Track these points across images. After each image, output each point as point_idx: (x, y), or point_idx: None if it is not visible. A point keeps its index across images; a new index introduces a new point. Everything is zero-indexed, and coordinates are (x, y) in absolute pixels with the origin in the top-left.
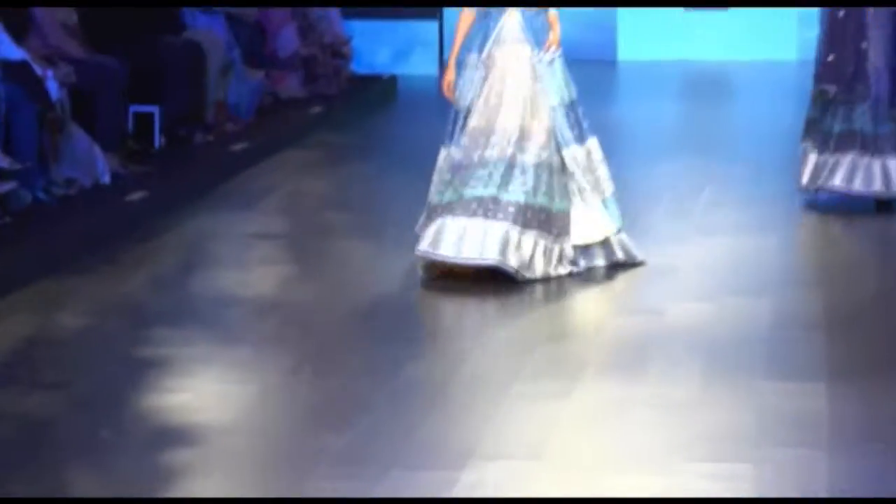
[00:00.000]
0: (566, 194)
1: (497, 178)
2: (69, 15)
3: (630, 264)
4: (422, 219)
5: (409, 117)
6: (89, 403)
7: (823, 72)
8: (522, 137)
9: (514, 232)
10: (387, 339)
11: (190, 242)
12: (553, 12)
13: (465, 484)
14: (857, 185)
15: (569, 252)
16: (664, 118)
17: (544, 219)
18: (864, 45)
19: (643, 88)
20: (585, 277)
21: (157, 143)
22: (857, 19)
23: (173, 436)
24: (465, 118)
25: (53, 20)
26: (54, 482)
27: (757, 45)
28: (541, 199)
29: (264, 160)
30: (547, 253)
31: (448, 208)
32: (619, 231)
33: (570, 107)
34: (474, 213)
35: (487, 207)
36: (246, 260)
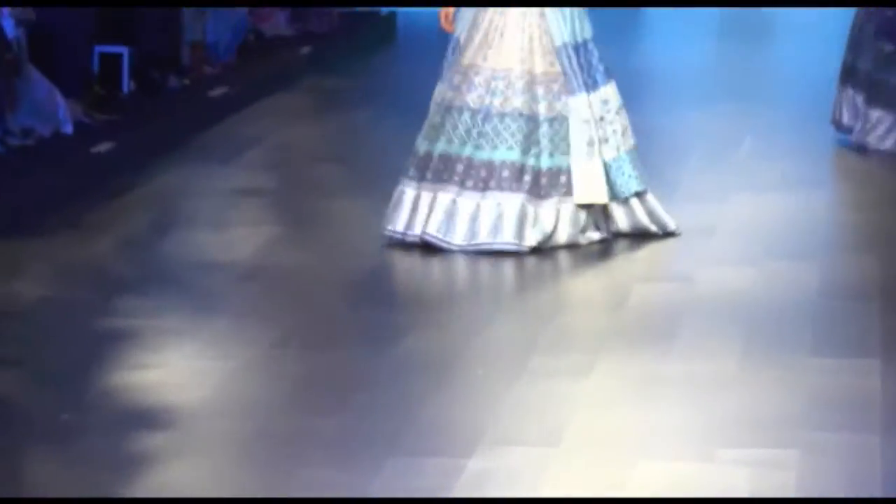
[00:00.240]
0: (567, 148)
1: (507, 136)
2: None
3: (659, 234)
4: (410, 170)
5: (411, 58)
6: (49, 381)
7: (882, 27)
8: (533, 83)
9: (531, 206)
10: (385, 309)
11: (163, 200)
12: None
13: (473, 472)
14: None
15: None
16: (698, 60)
17: (565, 181)
18: None
19: (674, 27)
20: (607, 241)
21: (125, 89)
22: None
23: (143, 418)
24: (459, 51)
25: None
26: (9, 470)
27: None
28: (558, 160)
29: (247, 107)
30: (574, 218)
31: (446, 167)
32: (639, 194)
33: (583, 46)
34: (485, 185)
35: (501, 176)
36: (226, 220)
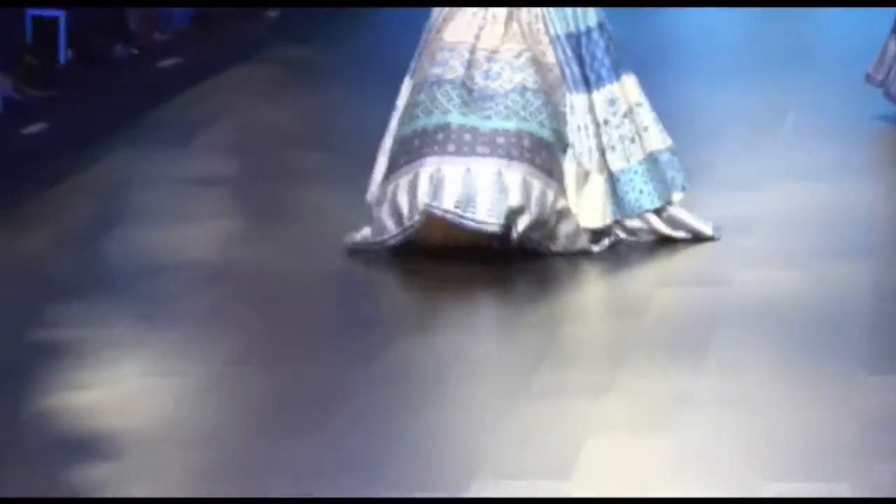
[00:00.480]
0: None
1: (502, 108)
2: None
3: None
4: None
5: (394, 25)
6: None
7: None
8: (534, 63)
9: (552, 190)
10: (365, 317)
11: (106, 190)
12: None
13: None
14: None
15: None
16: (734, 28)
17: (545, 155)
18: None
19: None
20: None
21: (62, 58)
22: None
23: (83, 446)
24: (438, 25)
25: None
26: None
27: None
28: (533, 126)
29: (204, 81)
30: (543, 197)
31: (423, 142)
32: (657, 210)
33: (585, 35)
34: (471, 151)
35: (496, 143)
36: (180, 213)
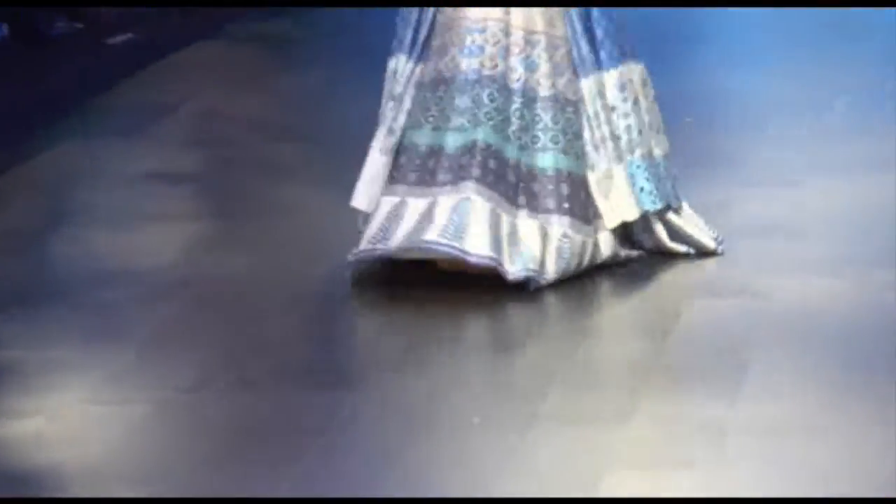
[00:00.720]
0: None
1: (513, 121)
2: None
3: (692, 253)
4: (370, 168)
5: None
6: None
7: None
8: (529, 42)
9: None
10: (348, 335)
11: (48, 187)
12: None
13: None
14: None
15: (606, 246)
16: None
17: (584, 197)
18: None
19: None
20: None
21: None
22: None
23: (22, 481)
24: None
25: None
26: None
27: None
28: (570, 162)
29: (161, 60)
30: (582, 249)
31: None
32: (659, 212)
33: (598, 12)
34: (491, 193)
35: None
36: (135, 214)
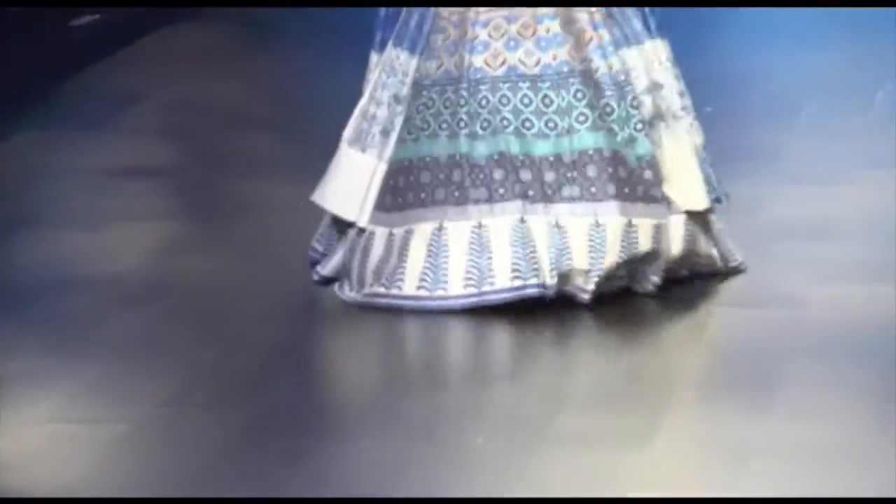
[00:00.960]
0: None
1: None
2: None
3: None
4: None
5: None
6: None
7: None
8: (571, 25)
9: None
10: (337, 345)
11: (5, 183)
12: None
13: None
14: None
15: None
16: None
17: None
18: None
19: None
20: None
21: None
22: None
23: None
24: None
25: None
26: None
27: None
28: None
29: (129, 45)
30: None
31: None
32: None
33: None
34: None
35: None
36: (100, 213)
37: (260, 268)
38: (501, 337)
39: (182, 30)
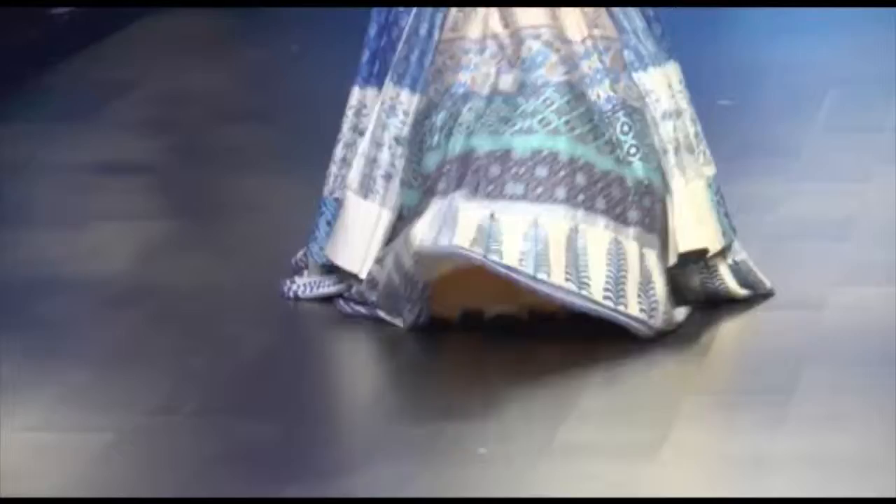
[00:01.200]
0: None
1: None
2: None
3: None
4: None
5: None
6: None
7: None
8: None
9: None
10: (329, 351)
11: None
12: None
13: None
14: None
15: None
16: None
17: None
18: None
19: None
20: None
21: None
22: None
23: None
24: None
25: None
26: None
27: None
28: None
29: (109, 35)
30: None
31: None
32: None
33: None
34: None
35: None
36: (82, 212)
37: (249, 269)
38: (503, 343)
39: (165, 18)
